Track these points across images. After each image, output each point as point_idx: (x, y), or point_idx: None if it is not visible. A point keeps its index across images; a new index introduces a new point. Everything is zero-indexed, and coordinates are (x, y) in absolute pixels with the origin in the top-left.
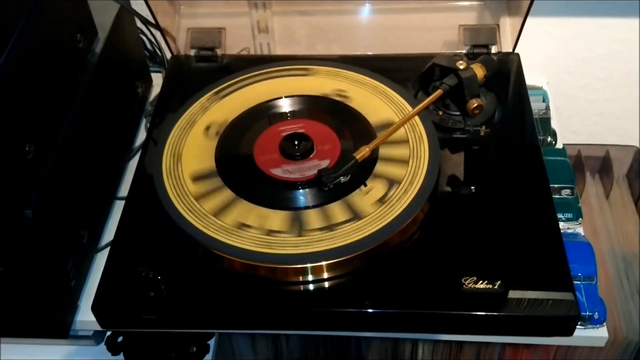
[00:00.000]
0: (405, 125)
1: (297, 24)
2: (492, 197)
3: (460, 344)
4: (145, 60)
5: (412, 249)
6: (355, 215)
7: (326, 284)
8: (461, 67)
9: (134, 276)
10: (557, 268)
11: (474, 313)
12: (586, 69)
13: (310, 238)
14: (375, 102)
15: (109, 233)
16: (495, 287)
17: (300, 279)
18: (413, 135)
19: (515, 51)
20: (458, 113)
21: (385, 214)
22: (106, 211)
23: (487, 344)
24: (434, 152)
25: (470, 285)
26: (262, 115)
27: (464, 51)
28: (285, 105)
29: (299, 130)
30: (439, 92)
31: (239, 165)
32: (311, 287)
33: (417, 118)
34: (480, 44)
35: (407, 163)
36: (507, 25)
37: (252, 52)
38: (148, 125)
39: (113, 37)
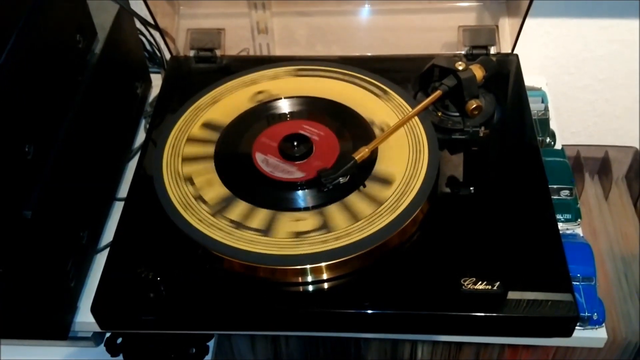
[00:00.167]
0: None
1: (297, 25)
2: (491, 198)
3: (460, 344)
4: (144, 60)
5: (412, 250)
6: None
7: (325, 285)
8: (460, 68)
9: (133, 277)
10: (556, 269)
11: (473, 314)
12: (585, 69)
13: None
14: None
15: (109, 234)
16: (495, 288)
17: (300, 279)
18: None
19: (515, 52)
20: (457, 114)
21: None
22: (106, 212)
23: (486, 344)
24: (433, 152)
25: (469, 286)
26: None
27: (463, 52)
28: (285, 106)
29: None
30: (438, 92)
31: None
32: (310, 288)
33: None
34: (479, 44)
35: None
36: (506, 26)
37: (251, 53)
38: (147, 126)
39: (112, 37)
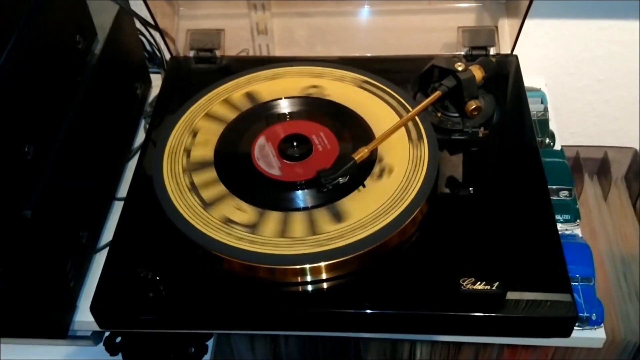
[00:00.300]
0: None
1: (297, 25)
2: (490, 198)
3: (459, 345)
4: (144, 61)
5: (411, 250)
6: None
7: (325, 285)
8: (460, 68)
9: (132, 276)
10: (555, 269)
11: (472, 314)
12: (585, 70)
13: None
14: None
15: (108, 233)
16: (494, 288)
17: (299, 279)
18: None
19: (514, 53)
20: (457, 114)
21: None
22: (105, 212)
23: (486, 344)
24: (433, 153)
25: (468, 286)
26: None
27: (462, 53)
28: (285, 107)
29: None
30: (437, 93)
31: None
32: (310, 288)
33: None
34: (479, 45)
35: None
36: (506, 26)
37: (251, 54)
38: (147, 126)
39: (112, 38)
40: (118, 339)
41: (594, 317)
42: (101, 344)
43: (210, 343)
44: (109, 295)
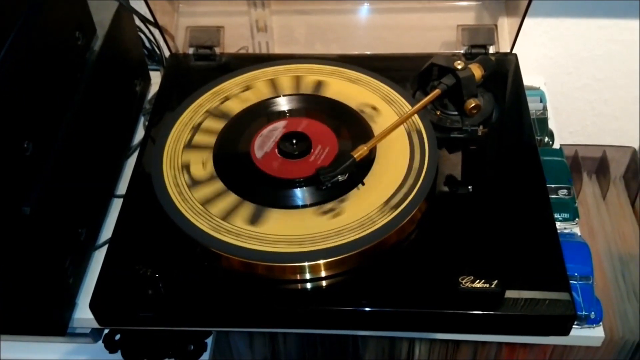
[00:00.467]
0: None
1: (296, 23)
2: (489, 196)
3: (457, 343)
4: (143, 58)
5: (410, 248)
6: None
7: (324, 283)
8: (459, 67)
9: (131, 274)
10: (553, 268)
11: (471, 312)
12: (584, 69)
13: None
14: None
15: (107, 231)
16: (492, 286)
17: (298, 277)
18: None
19: (513, 51)
20: (456, 113)
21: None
22: (104, 209)
23: (484, 343)
24: (432, 151)
25: (467, 284)
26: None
27: (462, 51)
28: (284, 104)
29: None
30: (436, 91)
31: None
32: (309, 285)
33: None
34: (478, 44)
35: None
36: (505, 25)
37: (250, 51)
38: (146, 123)
39: (112, 35)
40: (117, 337)
41: (592, 315)
42: (100, 341)
43: (209, 341)
44: (108, 292)
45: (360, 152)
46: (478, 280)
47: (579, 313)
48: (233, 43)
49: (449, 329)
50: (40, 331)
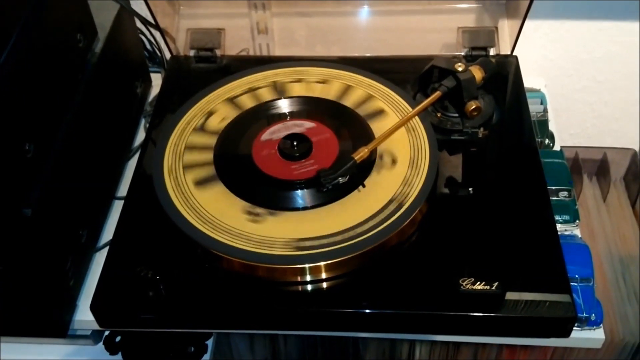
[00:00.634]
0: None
1: (297, 25)
2: (489, 198)
3: (458, 344)
4: (144, 60)
5: (410, 250)
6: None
7: (324, 285)
8: (460, 69)
9: (132, 276)
10: (554, 270)
11: (472, 314)
12: (584, 71)
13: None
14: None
15: (108, 232)
16: (493, 288)
17: (299, 279)
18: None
19: (514, 53)
20: (456, 115)
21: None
22: (105, 211)
23: (485, 344)
24: (433, 153)
25: (467, 286)
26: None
27: (462, 53)
28: (285, 106)
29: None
30: (437, 93)
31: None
32: (309, 287)
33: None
34: (478, 46)
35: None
36: (506, 27)
37: (251, 53)
38: (147, 125)
39: (113, 37)
40: (118, 338)
41: (593, 317)
42: (101, 343)
43: (209, 342)
44: (109, 294)
45: (361, 154)
46: (479, 282)
47: (579, 315)
48: (234, 45)
49: (449, 330)
50: (40, 333)
